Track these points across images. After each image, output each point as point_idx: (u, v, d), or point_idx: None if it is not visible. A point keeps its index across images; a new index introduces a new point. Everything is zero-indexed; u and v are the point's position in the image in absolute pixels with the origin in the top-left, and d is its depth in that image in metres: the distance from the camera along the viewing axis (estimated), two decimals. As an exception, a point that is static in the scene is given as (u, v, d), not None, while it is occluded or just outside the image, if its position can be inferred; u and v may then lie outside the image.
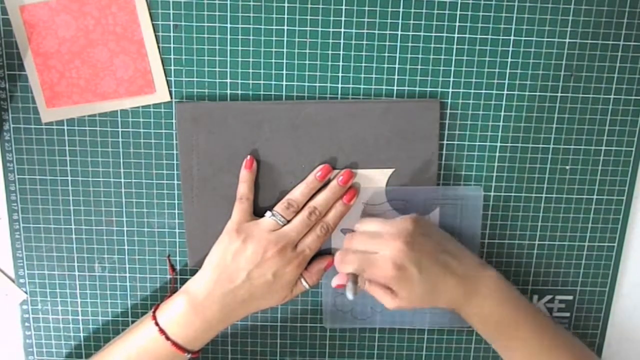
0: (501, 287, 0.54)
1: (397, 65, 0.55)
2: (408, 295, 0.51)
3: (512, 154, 0.57)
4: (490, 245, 0.59)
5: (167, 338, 0.52)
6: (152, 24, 0.53)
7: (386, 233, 0.52)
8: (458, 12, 0.53)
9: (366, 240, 0.53)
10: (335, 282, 0.54)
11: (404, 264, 0.50)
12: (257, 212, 0.55)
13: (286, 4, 0.53)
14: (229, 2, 0.53)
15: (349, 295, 0.50)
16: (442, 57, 0.54)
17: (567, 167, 0.57)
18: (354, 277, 0.51)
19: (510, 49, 0.54)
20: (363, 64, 0.55)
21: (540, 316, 0.55)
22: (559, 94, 0.56)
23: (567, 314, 0.61)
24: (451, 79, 0.55)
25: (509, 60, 0.55)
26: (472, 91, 0.55)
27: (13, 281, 0.59)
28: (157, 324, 0.53)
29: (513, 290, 0.54)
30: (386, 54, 0.54)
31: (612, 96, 0.56)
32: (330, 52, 0.54)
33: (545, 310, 0.61)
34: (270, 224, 0.53)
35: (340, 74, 0.55)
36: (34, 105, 0.55)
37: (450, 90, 0.55)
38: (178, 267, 0.59)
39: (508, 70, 0.55)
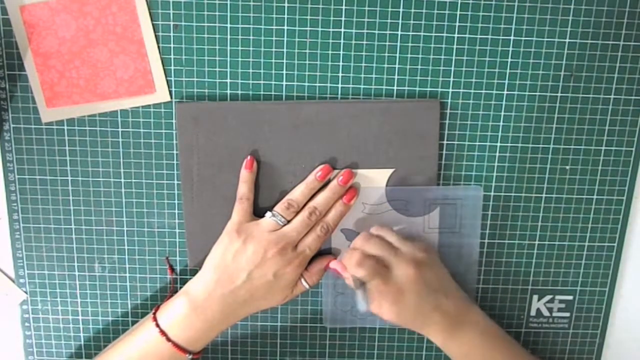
0: (485, 325, 0.56)
1: (397, 65, 0.55)
2: (393, 313, 0.52)
3: (512, 154, 0.57)
4: (490, 245, 0.59)
5: (168, 339, 0.52)
6: (152, 24, 0.53)
7: (403, 252, 0.54)
8: (458, 12, 0.53)
9: (383, 250, 0.54)
10: (333, 265, 0.55)
11: (407, 289, 0.52)
12: (257, 212, 0.55)
13: (286, 4, 0.53)
14: (229, 2, 0.53)
15: (363, 307, 0.52)
16: (442, 57, 0.54)
17: (567, 167, 0.57)
18: (363, 285, 0.53)
19: (510, 49, 0.54)
20: (363, 64, 0.55)
21: (523, 353, 0.57)
22: (559, 94, 0.56)
23: (567, 314, 0.61)
24: (451, 79, 0.55)
25: (509, 60, 0.55)
26: (472, 91, 0.55)
27: (13, 281, 0.59)
28: (157, 325, 0.53)
29: (497, 328, 0.56)
30: (386, 54, 0.54)
31: (612, 96, 0.56)
32: (330, 52, 0.54)
33: (545, 310, 0.61)
34: (270, 224, 0.53)
35: (340, 74, 0.55)
36: (34, 105, 0.55)
37: (450, 90, 0.55)
38: (178, 268, 0.59)
39: (508, 70, 0.55)
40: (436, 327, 0.53)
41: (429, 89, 0.55)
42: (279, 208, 0.54)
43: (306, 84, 0.55)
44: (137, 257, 0.59)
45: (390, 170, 0.56)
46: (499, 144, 0.57)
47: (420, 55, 0.54)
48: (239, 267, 0.52)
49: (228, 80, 0.55)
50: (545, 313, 0.61)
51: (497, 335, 0.56)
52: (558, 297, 0.61)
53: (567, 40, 0.54)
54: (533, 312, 0.61)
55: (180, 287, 0.54)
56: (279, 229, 0.53)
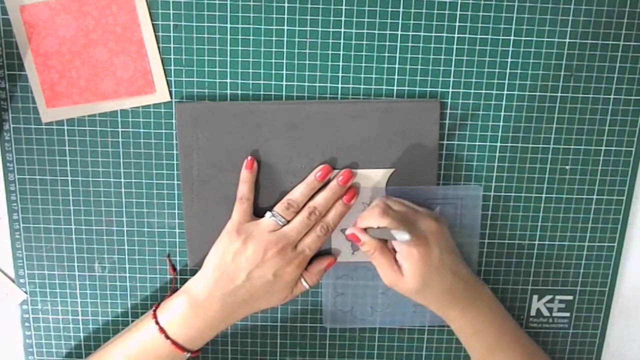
0: (495, 302, 0.56)
1: (397, 65, 0.55)
2: (414, 277, 0.52)
3: (512, 154, 0.57)
4: (490, 245, 0.59)
5: (167, 337, 0.52)
6: (152, 24, 0.53)
7: (424, 212, 0.54)
8: (458, 12, 0.53)
9: (405, 208, 0.54)
10: (350, 231, 0.54)
11: (432, 241, 0.52)
12: (257, 212, 0.55)
13: (286, 4, 0.53)
14: (229, 2, 0.53)
15: (405, 237, 0.49)
16: (442, 57, 0.54)
17: (567, 167, 0.57)
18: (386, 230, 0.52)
19: (510, 49, 0.54)
20: (363, 64, 0.55)
21: (524, 333, 0.58)
22: (559, 94, 0.56)
23: (567, 314, 0.61)
24: (451, 79, 0.55)
25: (509, 60, 0.55)
26: (472, 91, 0.55)
27: (13, 281, 0.59)
28: (157, 322, 0.53)
29: (503, 308, 0.57)
30: (386, 54, 0.54)
31: (612, 96, 0.56)
32: (330, 52, 0.54)
33: (545, 310, 0.61)
34: (270, 224, 0.53)
35: (340, 74, 0.55)
36: (34, 105, 0.55)
37: (450, 90, 0.55)
38: (178, 267, 0.59)
39: (508, 70, 0.55)
40: (455, 297, 0.53)
41: (429, 89, 0.55)
42: (278, 208, 0.54)
43: (306, 84, 0.55)
44: (137, 257, 0.59)
45: (390, 170, 0.56)
46: (499, 144, 0.57)
47: (420, 55, 0.54)
48: (238, 267, 0.52)
49: (228, 80, 0.55)
50: (545, 313, 0.61)
51: (504, 312, 0.57)
52: (558, 297, 0.61)
53: (567, 40, 0.54)
54: (533, 312, 0.61)
55: (181, 287, 0.54)
56: (278, 229, 0.53)
